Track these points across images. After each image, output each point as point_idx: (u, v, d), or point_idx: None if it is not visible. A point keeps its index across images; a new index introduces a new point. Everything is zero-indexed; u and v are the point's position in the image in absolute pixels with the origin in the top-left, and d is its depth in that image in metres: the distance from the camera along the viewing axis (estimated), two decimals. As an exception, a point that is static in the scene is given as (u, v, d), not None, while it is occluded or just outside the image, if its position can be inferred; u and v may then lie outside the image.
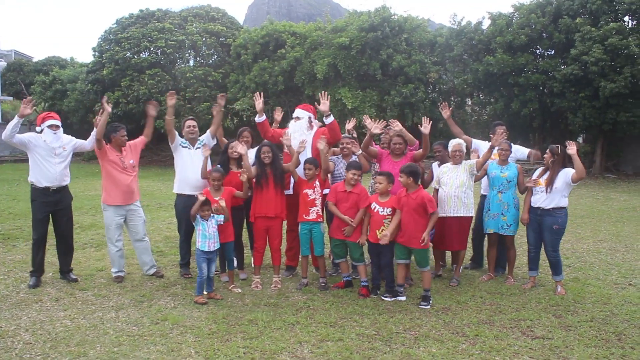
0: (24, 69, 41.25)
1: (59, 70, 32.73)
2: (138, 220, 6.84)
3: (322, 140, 6.44)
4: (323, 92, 7.04)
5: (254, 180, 6.46)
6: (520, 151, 7.20)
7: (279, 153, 6.51)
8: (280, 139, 6.71)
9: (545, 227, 6.28)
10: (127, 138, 6.76)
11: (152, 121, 7.05)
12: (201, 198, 5.96)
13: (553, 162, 6.29)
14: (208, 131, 7.06)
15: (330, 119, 6.70)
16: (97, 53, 26.04)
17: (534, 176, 6.50)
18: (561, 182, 6.19)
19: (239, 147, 6.44)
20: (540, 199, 6.28)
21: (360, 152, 6.67)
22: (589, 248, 8.63)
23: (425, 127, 6.43)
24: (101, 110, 6.55)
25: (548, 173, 6.32)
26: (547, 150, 6.39)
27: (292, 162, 6.43)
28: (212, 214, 6.04)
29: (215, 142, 7.13)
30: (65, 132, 6.74)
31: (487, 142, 7.25)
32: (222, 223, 6.12)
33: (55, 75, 31.04)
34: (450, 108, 7.36)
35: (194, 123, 7.00)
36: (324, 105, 6.70)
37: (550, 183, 6.20)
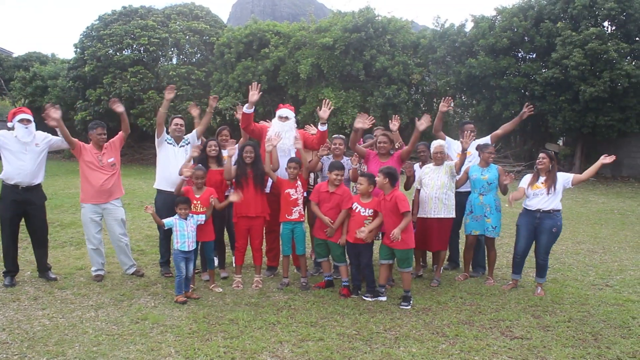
0: (3, 65, 40.59)
1: (39, 66, 32.26)
2: (113, 221, 6.75)
3: (323, 149, 6.61)
4: (325, 100, 7.01)
5: (233, 180, 6.45)
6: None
7: (260, 153, 6.50)
8: (266, 142, 6.63)
9: (544, 230, 6.30)
10: (104, 136, 6.68)
11: (124, 116, 6.84)
12: (149, 211, 5.99)
13: (552, 166, 6.38)
14: (194, 131, 7.04)
15: (325, 127, 6.74)
16: (78, 49, 25.72)
17: (525, 181, 6.52)
18: (560, 184, 6.30)
19: (273, 142, 6.46)
20: (541, 201, 6.30)
21: (357, 165, 6.59)
22: (568, 249, 8.74)
23: (422, 124, 6.33)
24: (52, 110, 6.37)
25: (545, 177, 6.36)
26: (545, 155, 6.40)
27: (268, 163, 6.41)
28: (190, 214, 6.02)
29: (200, 142, 7.09)
30: (45, 129, 6.65)
31: (458, 141, 7.29)
32: (202, 223, 6.11)
33: (36, 71, 30.60)
34: (450, 106, 7.30)
35: (181, 122, 6.96)
36: (325, 113, 6.68)
37: (552, 185, 6.27)
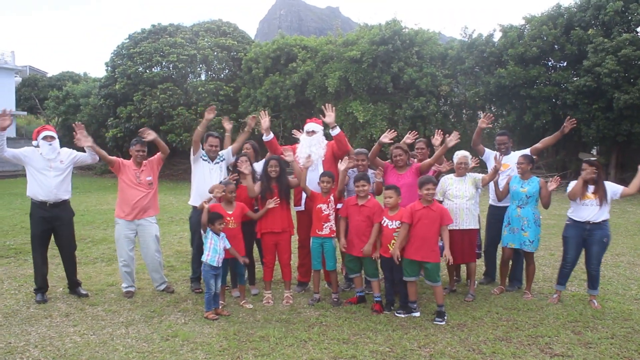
0: (38, 84, 41.83)
1: (72, 85, 33.08)
2: (148, 237, 6.76)
3: (345, 162, 6.40)
4: (327, 104, 6.93)
5: (259, 196, 6.40)
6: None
7: (286, 167, 6.42)
8: (284, 155, 6.54)
9: (595, 241, 6.19)
10: (143, 153, 6.70)
11: (158, 140, 6.74)
12: (205, 206, 5.94)
13: (599, 175, 6.22)
14: (230, 148, 7.01)
15: (336, 131, 6.66)
16: (109, 68, 26.27)
17: (570, 188, 6.35)
18: (609, 196, 6.17)
19: (287, 155, 6.39)
20: (591, 213, 6.18)
21: (381, 178, 6.52)
22: (607, 262, 8.44)
23: (451, 141, 6.35)
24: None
25: (594, 187, 6.20)
26: (589, 165, 6.21)
27: (302, 178, 6.34)
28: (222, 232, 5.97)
29: (235, 158, 7.04)
30: (75, 147, 6.71)
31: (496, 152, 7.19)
32: (227, 248, 6.01)
33: (69, 90, 31.38)
34: (490, 124, 7.17)
35: (216, 142, 6.85)
36: (330, 117, 6.64)
37: (603, 196, 6.14)
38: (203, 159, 6.83)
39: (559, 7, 20.41)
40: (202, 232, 6.03)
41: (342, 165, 6.40)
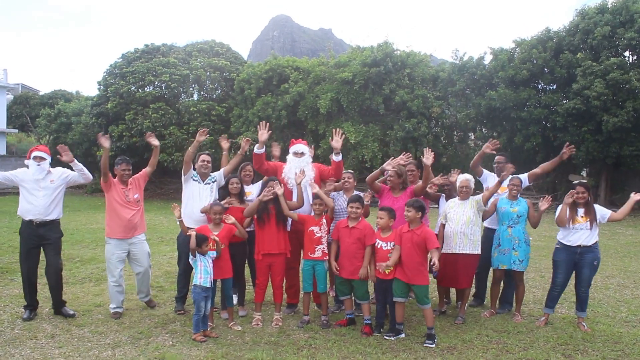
0: (30, 102, 41.77)
1: (64, 103, 33.01)
2: (141, 253, 6.77)
3: (314, 184, 6.47)
4: (336, 129, 6.98)
5: (255, 217, 6.38)
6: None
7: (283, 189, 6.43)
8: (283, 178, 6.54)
9: (586, 264, 6.22)
10: (128, 172, 6.72)
11: (157, 151, 6.97)
12: (193, 233, 5.90)
13: (590, 198, 6.32)
14: (222, 170, 7.03)
15: (339, 157, 6.73)
16: (102, 87, 26.27)
17: (559, 212, 6.38)
18: (598, 218, 6.24)
19: (277, 188, 6.31)
20: (582, 237, 6.22)
21: (369, 201, 6.50)
22: (597, 284, 8.44)
23: (427, 158, 6.38)
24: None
25: (584, 209, 6.27)
26: (580, 187, 6.31)
27: (284, 205, 6.31)
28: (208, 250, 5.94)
29: (225, 181, 7.05)
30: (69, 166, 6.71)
31: (493, 173, 7.22)
32: (213, 258, 5.99)
33: (61, 108, 31.30)
34: (494, 150, 7.14)
35: (208, 158, 6.93)
36: (337, 142, 6.69)
37: (593, 219, 6.21)
38: (194, 179, 6.82)
39: (548, 31, 20.70)
40: (190, 257, 5.95)
41: (328, 187, 6.44)
